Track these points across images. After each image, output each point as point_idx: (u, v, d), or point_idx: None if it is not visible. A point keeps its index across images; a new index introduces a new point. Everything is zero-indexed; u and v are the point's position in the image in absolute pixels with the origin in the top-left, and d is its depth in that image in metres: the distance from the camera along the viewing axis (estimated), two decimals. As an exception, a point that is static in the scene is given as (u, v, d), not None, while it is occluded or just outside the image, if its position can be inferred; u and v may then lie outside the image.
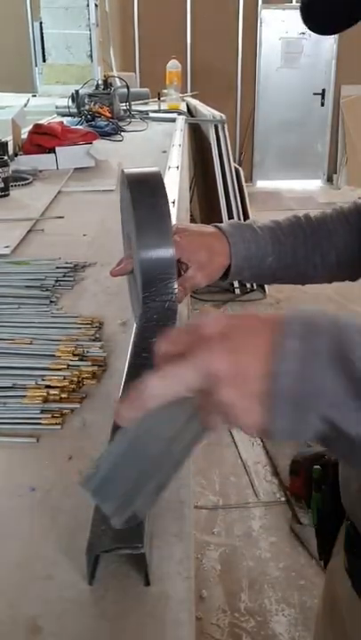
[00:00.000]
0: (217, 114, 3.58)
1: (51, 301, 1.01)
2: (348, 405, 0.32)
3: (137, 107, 3.52)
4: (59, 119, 2.85)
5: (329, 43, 6.35)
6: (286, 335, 0.34)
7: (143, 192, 0.67)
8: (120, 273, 0.76)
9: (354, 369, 0.32)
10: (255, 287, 3.57)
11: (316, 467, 0.75)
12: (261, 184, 7.11)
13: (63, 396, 0.74)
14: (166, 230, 0.64)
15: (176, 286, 0.64)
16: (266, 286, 3.54)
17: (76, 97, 3.06)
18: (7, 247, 1.26)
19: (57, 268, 1.15)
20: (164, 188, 0.67)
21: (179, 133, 2.69)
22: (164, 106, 3.67)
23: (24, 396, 0.74)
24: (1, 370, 0.79)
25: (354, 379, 0.32)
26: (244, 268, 0.75)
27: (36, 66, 4.50)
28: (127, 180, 0.69)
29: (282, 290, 3.40)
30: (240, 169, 3.96)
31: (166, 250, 0.63)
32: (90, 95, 3.03)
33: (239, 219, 3.51)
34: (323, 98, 6.64)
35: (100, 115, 2.90)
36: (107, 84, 3.22)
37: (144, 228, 0.63)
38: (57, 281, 1.09)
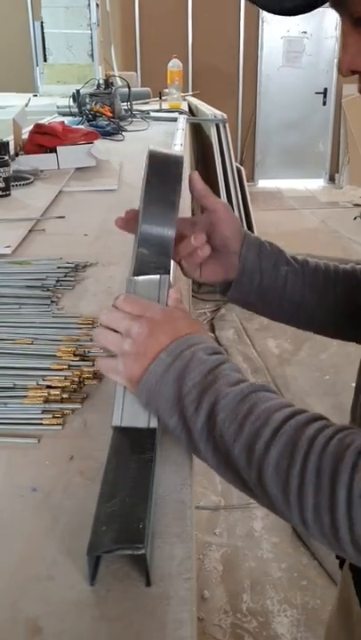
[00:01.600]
0: (218, 113, 3.58)
1: (52, 301, 1.01)
2: (169, 410, 0.53)
3: (138, 106, 3.52)
4: (60, 119, 2.85)
5: (331, 42, 6.34)
6: (169, 350, 0.53)
7: (159, 170, 0.68)
8: (123, 225, 0.72)
9: (181, 391, 0.52)
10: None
11: None
12: (263, 183, 7.11)
13: (64, 396, 0.74)
14: (172, 210, 0.66)
15: (171, 265, 0.66)
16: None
17: (77, 96, 3.06)
18: (8, 247, 1.26)
19: (58, 267, 1.15)
20: (180, 172, 0.68)
21: (180, 133, 2.69)
22: (165, 105, 3.67)
23: (25, 397, 0.74)
24: (2, 370, 0.79)
25: (177, 403, 0.52)
26: (254, 270, 0.74)
27: (37, 66, 4.50)
28: (149, 156, 0.69)
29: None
30: (242, 168, 3.96)
31: (169, 229, 0.66)
32: (91, 95, 3.03)
33: (241, 218, 3.51)
34: (325, 97, 6.63)
35: (101, 114, 2.90)
36: (108, 83, 3.22)
37: (151, 203, 0.66)
38: (58, 281, 1.09)
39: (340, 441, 0.44)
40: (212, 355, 0.54)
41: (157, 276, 0.63)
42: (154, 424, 0.58)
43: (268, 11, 0.60)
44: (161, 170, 0.68)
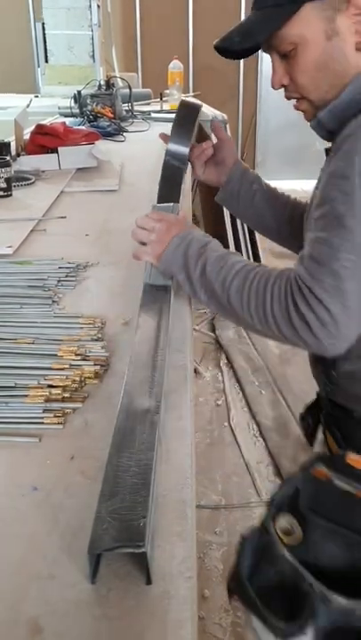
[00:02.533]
0: (219, 114, 3.58)
1: (53, 301, 1.01)
2: (179, 271, 0.85)
3: (139, 107, 3.52)
4: (61, 120, 2.86)
5: (331, 42, 6.34)
6: (178, 236, 0.87)
7: (184, 110, 1.12)
8: (164, 139, 1.15)
9: (186, 259, 0.84)
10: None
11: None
12: (264, 184, 7.07)
13: (65, 395, 0.75)
14: (186, 143, 1.08)
15: (184, 175, 1.10)
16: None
17: (78, 97, 3.06)
18: (10, 247, 1.26)
19: (59, 267, 1.15)
20: (196, 113, 1.12)
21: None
22: (166, 106, 3.67)
23: (26, 396, 0.74)
24: (3, 369, 0.79)
25: (184, 265, 0.85)
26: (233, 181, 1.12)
27: (39, 66, 4.49)
28: (180, 102, 1.15)
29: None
30: (242, 169, 3.95)
31: (182, 151, 1.08)
32: (92, 96, 3.03)
33: (246, 247, 3.48)
34: None
35: (102, 115, 2.90)
36: (109, 84, 3.22)
37: (175, 132, 1.09)
38: (59, 281, 1.09)
39: (269, 272, 0.78)
40: (202, 238, 0.88)
41: (171, 204, 1.03)
42: (168, 282, 0.94)
43: (224, 56, 0.90)
44: (184, 110, 1.12)
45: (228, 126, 3.35)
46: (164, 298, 0.90)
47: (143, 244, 0.91)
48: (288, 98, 0.89)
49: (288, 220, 1.10)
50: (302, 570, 0.67)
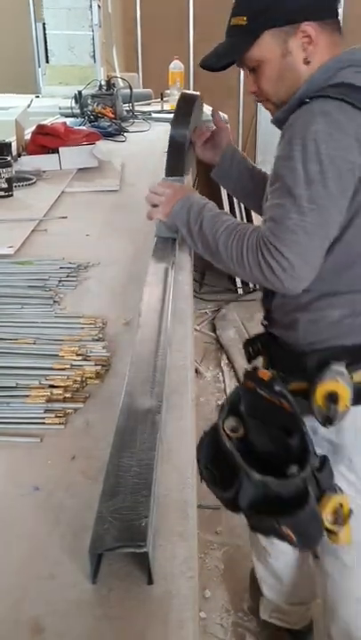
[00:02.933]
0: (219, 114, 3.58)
1: (54, 301, 1.01)
2: (182, 226, 1.09)
3: (140, 107, 3.52)
4: (62, 120, 2.86)
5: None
6: (182, 200, 1.11)
7: (183, 100, 1.35)
8: None
9: (188, 216, 1.08)
10: (257, 287, 3.57)
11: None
12: (264, 184, 7.07)
13: (66, 395, 0.75)
14: (186, 124, 1.29)
15: (186, 150, 1.31)
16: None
17: (78, 98, 3.07)
18: (11, 247, 1.26)
19: (60, 268, 1.15)
20: (193, 102, 1.33)
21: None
22: (166, 106, 3.66)
23: (27, 396, 0.74)
24: (4, 370, 0.79)
25: (187, 222, 1.08)
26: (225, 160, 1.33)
27: (39, 67, 4.49)
28: (181, 94, 1.41)
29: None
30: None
31: (182, 132, 1.29)
32: (93, 96, 3.03)
33: (242, 218, 3.51)
34: None
35: (102, 115, 2.90)
36: (109, 84, 3.22)
37: (175, 120, 1.31)
38: (60, 281, 1.09)
39: (246, 229, 1.00)
40: (201, 201, 1.11)
41: (177, 177, 1.27)
42: (173, 235, 1.17)
43: (207, 70, 1.10)
44: (184, 100, 1.34)
45: (228, 126, 3.35)
46: (171, 247, 1.17)
47: (155, 206, 1.16)
48: (257, 101, 1.12)
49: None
50: (236, 455, 0.96)
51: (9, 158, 1.75)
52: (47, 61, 4.25)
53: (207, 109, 1.68)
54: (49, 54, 4.21)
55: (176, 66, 3.85)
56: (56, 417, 0.71)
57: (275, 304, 1.11)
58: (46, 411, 0.72)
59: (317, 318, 1.06)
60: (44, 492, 0.60)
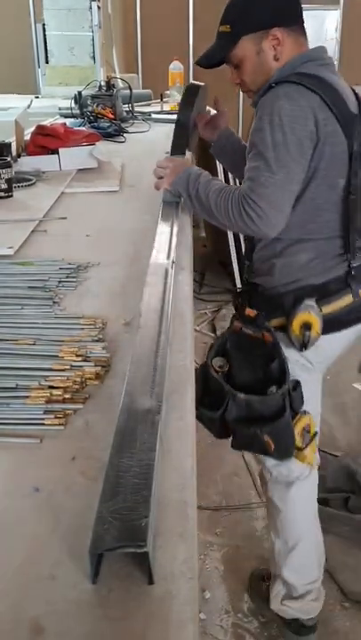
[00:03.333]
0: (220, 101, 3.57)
1: (54, 302, 1.01)
2: (183, 191, 1.35)
3: (139, 108, 3.52)
4: (61, 120, 2.86)
5: (331, 43, 6.35)
6: (183, 171, 1.36)
7: (189, 88, 1.66)
8: None
9: (188, 183, 1.33)
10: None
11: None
12: (264, 185, 7.06)
13: (66, 396, 0.75)
14: (190, 109, 1.57)
15: (188, 131, 1.58)
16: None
17: (78, 98, 3.07)
18: (10, 248, 1.26)
19: (60, 268, 1.15)
20: (197, 90, 1.62)
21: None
22: (166, 107, 3.67)
23: (27, 397, 0.74)
24: (4, 370, 0.79)
25: (187, 187, 1.34)
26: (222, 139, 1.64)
27: (39, 67, 4.49)
28: (187, 84, 1.72)
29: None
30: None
31: (186, 116, 1.57)
32: (92, 96, 3.03)
33: None
34: None
35: (102, 116, 2.90)
36: (109, 85, 3.22)
37: (181, 105, 1.63)
38: (60, 281, 1.09)
39: (230, 189, 1.27)
40: (198, 172, 1.34)
41: (179, 154, 1.51)
42: (177, 199, 1.41)
43: (201, 67, 1.40)
44: (189, 89, 1.63)
45: (227, 110, 3.35)
46: (175, 210, 1.40)
47: (160, 178, 1.41)
48: (241, 90, 1.42)
49: None
50: (223, 382, 1.26)
51: (9, 159, 1.75)
52: (47, 62, 4.25)
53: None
54: (49, 55, 4.21)
55: (176, 66, 3.86)
56: (56, 418, 0.71)
57: (256, 256, 1.40)
58: (46, 411, 0.72)
59: (290, 262, 1.33)
60: (44, 492, 0.60)
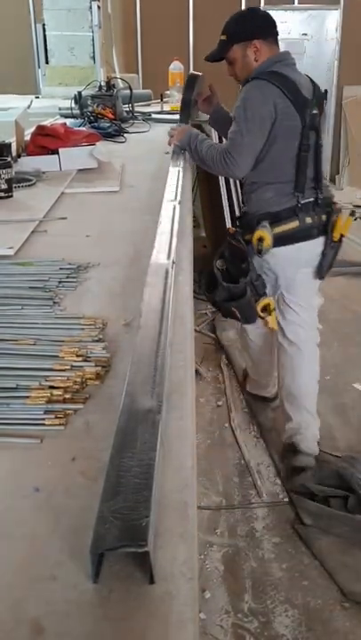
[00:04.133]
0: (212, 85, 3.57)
1: (54, 302, 1.01)
2: (188, 145, 2.05)
3: (140, 108, 3.52)
4: (61, 121, 2.86)
5: (332, 44, 6.35)
6: (187, 132, 2.08)
7: (190, 77, 2.34)
8: None
9: (190, 139, 2.04)
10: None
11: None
12: (264, 185, 7.06)
13: (67, 396, 0.75)
14: (191, 92, 2.25)
15: (190, 109, 2.31)
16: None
17: (78, 98, 3.07)
18: (11, 248, 1.26)
19: (60, 268, 1.15)
20: (196, 77, 2.30)
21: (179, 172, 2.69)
22: (166, 107, 3.67)
23: (27, 397, 0.74)
24: (4, 371, 0.79)
25: (188, 143, 2.05)
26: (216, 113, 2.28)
27: (39, 67, 4.49)
28: (188, 74, 2.45)
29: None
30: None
31: (188, 95, 2.27)
32: (92, 97, 3.03)
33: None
34: (325, 98, 6.64)
35: (102, 116, 2.90)
36: (109, 85, 3.22)
37: (184, 89, 2.36)
38: (60, 282, 1.09)
39: (218, 145, 2.04)
40: (197, 133, 2.07)
41: (185, 123, 2.24)
42: (182, 151, 2.08)
43: (206, 60, 2.05)
44: (190, 77, 2.34)
45: (217, 92, 3.35)
46: (182, 156, 2.02)
47: (172, 137, 2.12)
48: (235, 80, 2.02)
49: None
50: (218, 276, 2.02)
51: (9, 159, 1.75)
52: (47, 62, 4.25)
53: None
54: (49, 55, 4.21)
55: (176, 67, 3.85)
56: (56, 418, 0.71)
57: (244, 190, 2.09)
58: (46, 412, 0.72)
59: (258, 197, 1.99)
60: (45, 492, 0.60)
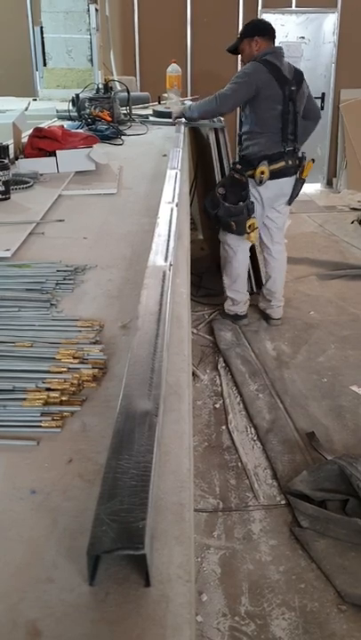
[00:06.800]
0: (216, 119, 3.59)
1: (51, 304, 1.01)
2: (184, 113, 3.14)
3: (137, 110, 3.53)
4: (59, 123, 2.86)
5: (329, 47, 6.37)
6: (181, 106, 3.22)
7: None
8: None
9: (184, 109, 3.14)
10: (255, 290, 3.58)
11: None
12: (261, 187, 7.07)
13: (63, 398, 0.74)
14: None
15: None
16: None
17: (76, 101, 3.07)
18: (8, 250, 1.26)
19: (57, 271, 1.15)
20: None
21: (180, 137, 2.70)
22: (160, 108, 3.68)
23: (24, 399, 0.74)
24: (1, 373, 0.79)
25: (184, 111, 3.14)
26: None
27: (37, 70, 4.50)
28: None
29: (283, 292, 3.41)
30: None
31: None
32: (90, 99, 3.04)
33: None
34: (322, 101, 6.65)
35: (100, 118, 2.91)
36: (107, 87, 3.23)
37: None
38: (57, 284, 1.09)
39: (212, 96, 3.01)
40: (189, 104, 3.19)
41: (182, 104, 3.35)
42: (181, 120, 3.16)
43: (228, 51, 3.18)
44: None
45: (225, 131, 3.36)
46: (183, 127, 2.93)
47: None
48: (241, 61, 3.20)
49: None
50: (220, 199, 3.04)
51: (6, 161, 1.75)
52: (45, 65, 4.25)
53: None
54: (46, 57, 4.22)
55: (174, 69, 3.87)
56: (53, 420, 0.70)
57: (242, 139, 3.00)
58: (43, 414, 0.72)
59: (255, 143, 2.93)
60: (41, 495, 0.60)
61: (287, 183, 3.02)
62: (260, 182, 2.90)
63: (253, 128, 2.91)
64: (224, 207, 2.95)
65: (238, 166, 3.00)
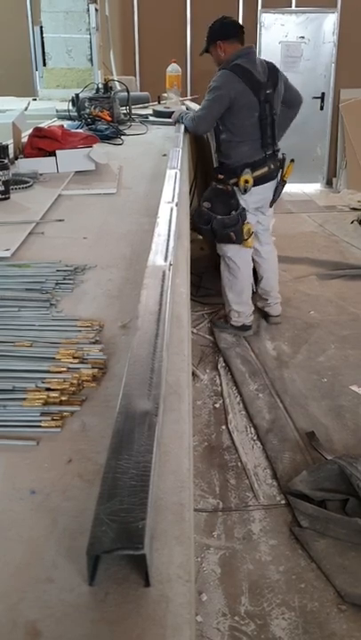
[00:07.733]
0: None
1: (51, 304, 1.01)
2: (180, 119, 3.08)
3: (137, 110, 3.53)
4: (59, 123, 2.86)
5: (328, 47, 6.37)
6: (178, 110, 3.26)
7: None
8: None
9: (179, 115, 3.10)
10: (255, 290, 3.58)
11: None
12: (261, 187, 7.06)
13: (63, 398, 0.74)
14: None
15: None
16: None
17: (76, 101, 3.07)
18: (7, 250, 1.26)
19: (57, 270, 1.15)
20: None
21: (180, 137, 2.70)
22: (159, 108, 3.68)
23: (24, 399, 0.74)
24: (1, 372, 0.79)
25: (179, 117, 3.09)
26: None
27: (37, 70, 4.50)
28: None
29: (283, 292, 3.40)
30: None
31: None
32: (90, 99, 3.04)
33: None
34: (322, 101, 6.65)
35: (100, 118, 2.90)
36: (107, 87, 3.23)
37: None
38: (57, 284, 1.09)
39: (193, 113, 3.02)
40: (185, 111, 3.25)
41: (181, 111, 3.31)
42: (179, 121, 3.08)
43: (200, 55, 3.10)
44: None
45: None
46: (180, 127, 2.87)
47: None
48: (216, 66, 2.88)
49: None
50: (209, 212, 2.95)
51: (6, 161, 1.75)
52: (44, 64, 4.25)
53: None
54: (46, 57, 4.22)
55: (173, 69, 3.87)
56: (53, 420, 0.70)
57: (222, 148, 2.89)
58: (43, 414, 0.72)
59: (237, 152, 2.84)
60: (41, 495, 0.60)
61: (271, 187, 3.00)
62: (245, 191, 2.83)
63: (232, 137, 2.81)
64: (217, 220, 2.85)
65: (220, 176, 2.89)
